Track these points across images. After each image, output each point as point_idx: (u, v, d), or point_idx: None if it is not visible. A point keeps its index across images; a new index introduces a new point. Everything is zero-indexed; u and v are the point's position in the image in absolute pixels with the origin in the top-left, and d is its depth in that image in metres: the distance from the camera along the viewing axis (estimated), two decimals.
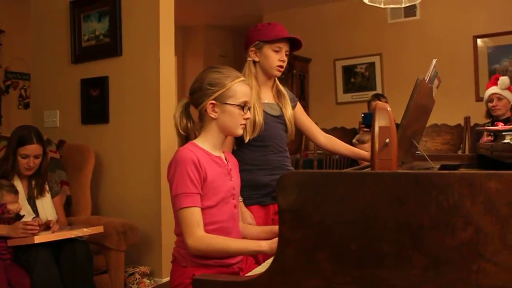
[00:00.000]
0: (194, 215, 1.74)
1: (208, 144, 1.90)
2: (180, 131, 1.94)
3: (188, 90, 1.97)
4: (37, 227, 2.71)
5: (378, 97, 5.09)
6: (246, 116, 1.90)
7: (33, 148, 2.97)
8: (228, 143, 2.25)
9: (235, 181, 1.98)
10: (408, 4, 4.02)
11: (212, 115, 1.87)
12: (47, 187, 3.09)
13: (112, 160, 3.84)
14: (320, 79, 7.13)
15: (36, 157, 2.99)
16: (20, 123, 3.36)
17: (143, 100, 3.68)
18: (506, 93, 3.96)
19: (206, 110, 1.87)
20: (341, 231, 1.22)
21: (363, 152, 2.58)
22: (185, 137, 1.95)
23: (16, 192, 2.88)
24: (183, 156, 1.80)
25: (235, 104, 1.86)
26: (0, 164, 2.99)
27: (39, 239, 2.63)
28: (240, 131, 1.94)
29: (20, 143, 2.94)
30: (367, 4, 3.97)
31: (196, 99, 1.90)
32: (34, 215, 2.97)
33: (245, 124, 1.94)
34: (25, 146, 2.94)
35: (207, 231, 1.78)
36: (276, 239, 1.36)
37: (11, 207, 2.75)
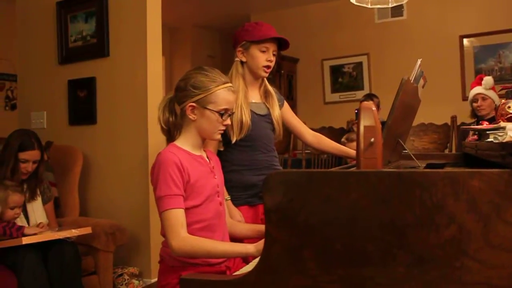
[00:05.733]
0: (178, 217, 1.74)
1: (188, 144, 1.91)
2: (162, 124, 1.96)
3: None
4: None
5: (371, 97, 5.11)
6: (225, 123, 1.90)
7: (33, 154, 3.00)
8: (214, 143, 2.25)
9: (219, 178, 1.98)
10: (395, 4, 4.03)
11: (191, 117, 1.88)
12: (38, 191, 3.09)
13: (100, 161, 3.82)
14: (307, 79, 7.15)
15: (34, 162, 3.01)
16: (7, 124, 3.35)
17: (130, 101, 3.67)
18: (490, 93, 3.97)
19: (185, 111, 1.88)
20: (326, 230, 1.23)
21: (350, 150, 2.56)
22: (168, 131, 1.96)
23: (21, 191, 2.89)
24: (165, 158, 1.80)
25: (214, 111, 1.86)
26: None
27: (26, 240, 2.61)
28: (217, 137, 1.94)
29: (21, 148, 2.96)
30: (354, 4, 3.98)
31: (179, 97, 1.91)
32: (24, 219, 2.95)
33: (223, 130, 1.94)
34: (26, 151, 2.97)
35: (193, 230, 1.78)
36: (262, 241, 1.37)
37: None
